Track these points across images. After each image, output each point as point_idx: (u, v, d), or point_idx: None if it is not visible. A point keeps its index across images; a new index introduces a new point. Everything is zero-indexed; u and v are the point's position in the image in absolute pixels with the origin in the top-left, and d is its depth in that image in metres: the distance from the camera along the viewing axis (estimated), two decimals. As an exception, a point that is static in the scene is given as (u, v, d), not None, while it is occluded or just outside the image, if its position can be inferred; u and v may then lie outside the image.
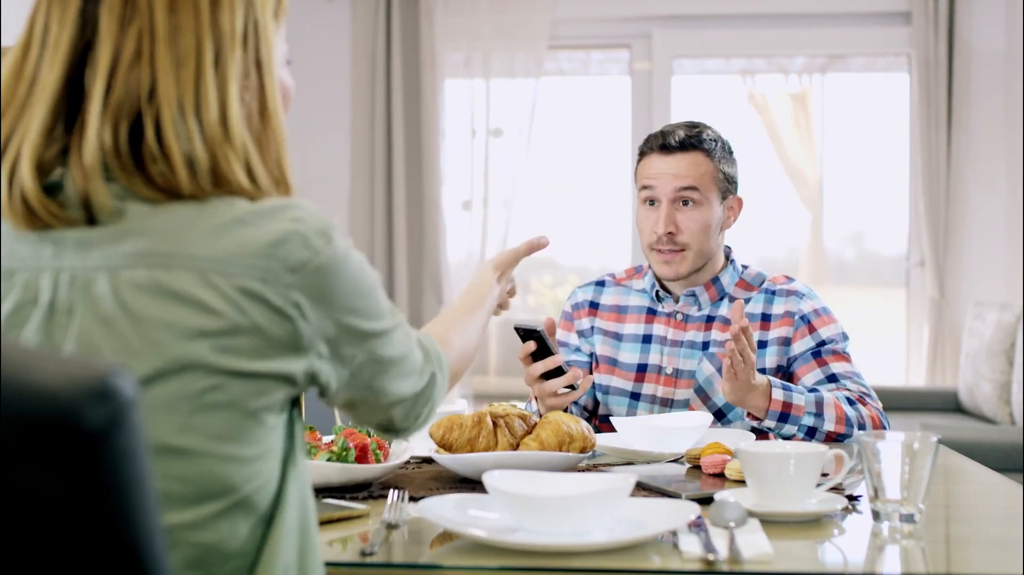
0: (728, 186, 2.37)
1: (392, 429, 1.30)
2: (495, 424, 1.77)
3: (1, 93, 1.11)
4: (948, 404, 5.09)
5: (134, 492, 0.80)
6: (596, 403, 2.38)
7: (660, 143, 2.33)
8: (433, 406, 1.32)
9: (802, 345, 2.27)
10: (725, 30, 5.57)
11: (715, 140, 2.36)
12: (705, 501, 1.57)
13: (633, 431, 1.99)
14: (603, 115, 5.82)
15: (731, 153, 2.41)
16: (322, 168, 5.52)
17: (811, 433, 2.10)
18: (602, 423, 2.35)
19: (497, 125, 5.46)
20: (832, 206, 5.77)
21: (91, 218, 1.07)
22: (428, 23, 5.38)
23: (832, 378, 2.26)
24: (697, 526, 1.42)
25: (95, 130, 1.07)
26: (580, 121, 5.87)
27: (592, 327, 2.43)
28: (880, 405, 2.24)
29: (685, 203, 2.30)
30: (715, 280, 2.36)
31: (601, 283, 2.49)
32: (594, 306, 2.45)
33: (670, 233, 2.29)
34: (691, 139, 2.32)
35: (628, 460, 1.93)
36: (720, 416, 2.26)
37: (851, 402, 2.18)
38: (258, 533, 1.09)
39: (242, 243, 1.06)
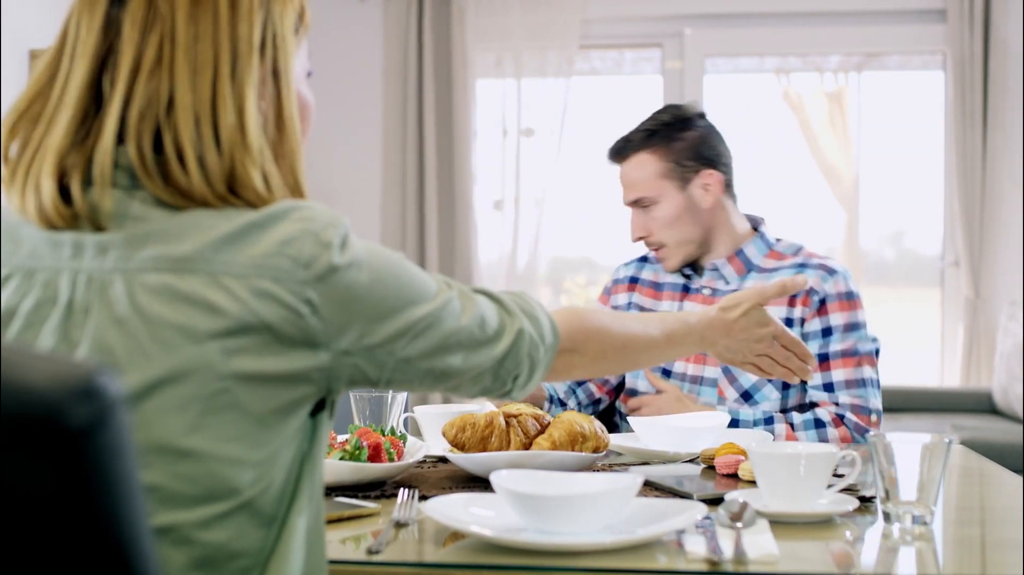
0: (685, 169, 2.31)
1: (494, 395, 1.30)
2: (507, 423, 1.77)
3: (32, 96, 1.14)
4: (982, 405, 5.04)
5: (120, 490, 0.81)
6: (622, 377, 2.38)
7: (609, 154, 2.32)
8: (533, 364, 1.30)
9: (809, 328, 2.23)
10: (759, 28, 5.55)
11: (660, 126, 2.30)
12: (716, 501, 1.57)
13: (649, 431, 1.99)
14: (635, 114, 5.80)
15: (689, 127, 2.32)
16: (354, 168, 5.54)
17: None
18: (627, 396, 2.34)
19: (528, 125, 5.46)
20: (868, 205, 5.73)
21: (98, 225, 1.09)
22: (460, 23, 5.38)
23: (828, 387, 2.21)
24: (705, 527, 1.41)
25: (111, 136, 1.10)
26: (612, 121, 5.86)
27: (629, 303, 2.43)
28: (871, 418, 2.19)
29: (645, 206, 2.29)
30: (739, 253, 2.33)
31: (644, 259, 2.49)
32: (634, 281, 2.45)
33: (644, 237, 2.29)
34: (629, 142, 2.28)
35: (644, 460, 1.93)
36: (747, 397, 2.24)
37: (819, 424, 2.15)
38: (266, 534, 1.10)
39: (253, 245, 1.08)
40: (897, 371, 5.74)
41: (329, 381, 1.13)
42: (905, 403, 5.10)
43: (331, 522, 1.49)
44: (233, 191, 1.12)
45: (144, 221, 1.10)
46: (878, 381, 2.26)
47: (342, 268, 1.11)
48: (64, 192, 1.10)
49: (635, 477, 1.41)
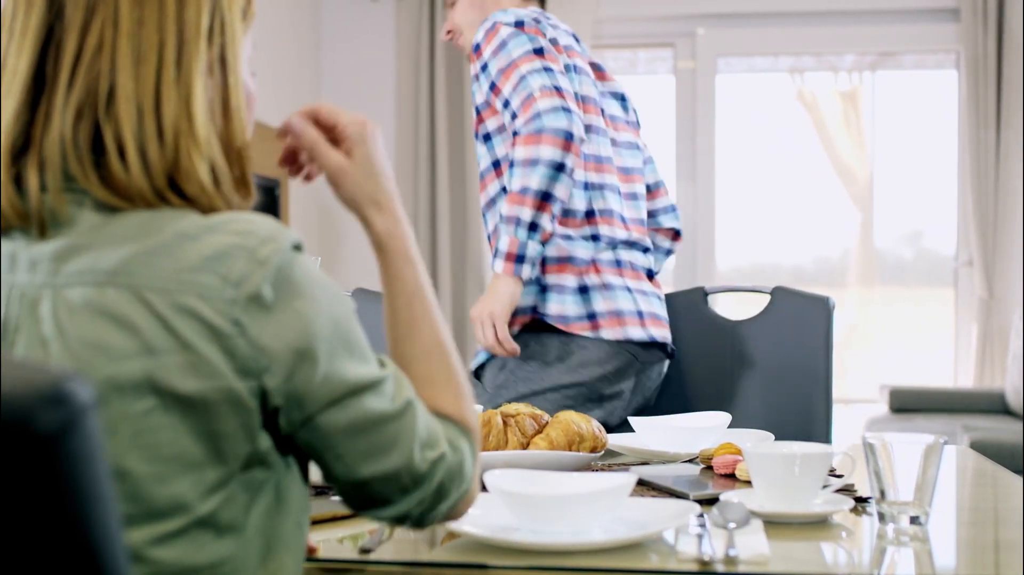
0: None
1: (371, 510, 1.14)
2: (505, 423, 1.77)
3: None
4: (995, 405, 5.02)
5: (90, 495, 0.81)
6: None
7: None
8: (450, 503, 1.14)
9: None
10: (772, 28, 5.54)
11: None
12: (712, 502, 1.57)
13: (649, 431, 1.99)
14: (647, 114, 5.80)
15: None
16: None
17: None
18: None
19: (540, 125, 5.45)
20: (882, 205, 5.72)
21: (42, 223, 1.04)
22: (471, 23, 5.39)
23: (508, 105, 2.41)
24: (699, 527, 1.41)
25: (57, 127, 1.05)
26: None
27: None
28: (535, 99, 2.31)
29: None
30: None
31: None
32: None
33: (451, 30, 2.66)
34: None
35: (644, 460, 1.93)
36: None
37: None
38: (232, 545, 1.05)
39: (181, 258, 1.02)
40: (911, 371, 5.72)
41: (266, 407, 1.05)
42: (918, 403, 5.08)
43: (325, 521, 1.49)
44: (175, 186, 1.06)
45: (75, 228, 1.04)
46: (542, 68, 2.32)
47: (275, 282, 1.03)
48: (18, 186, 1.05)
49: (628, 477, 1.41)
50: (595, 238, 2.37)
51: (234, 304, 1.00)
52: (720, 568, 1.28)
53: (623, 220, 2.42)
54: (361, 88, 5.56)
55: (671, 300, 2.58)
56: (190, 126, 1.07)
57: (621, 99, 2.63)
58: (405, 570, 1.36)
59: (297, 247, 1.06)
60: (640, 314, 2.36)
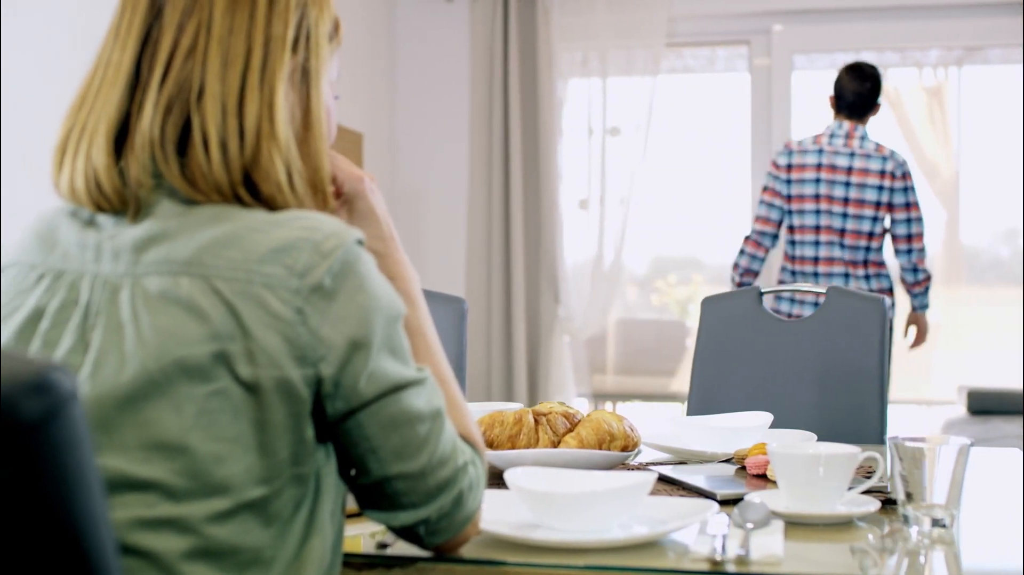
0: None
1: (392, 522, 1.21)
2: (536, 422, 1.78)
3: (87, 80, 1.18)
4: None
5: (74, 482, 0.84)
6: None
7: None
8: (465, 513, 1.22)
9: None
10: (847, 24, 5.45)
11: None
12: (738, 502, 1.56)
13: (688, 430, 1.98)
14: (722, 112, 5.76)
15: None
16: (440, 168, 5.59)
17: None
18: None
19: (614, 124, 5.45)
20: (968, 203, 5.60)
21: (137, 209, 1.13)
22: (545, 23, 5.40)
23: None
24: (719, 526, 1.41)
25: (148, 119, 1.13)
26: (698, 119, 5.82)
27: None
28: None
29: None
30: None
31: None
32: None
33: None
34: None
35: (682, 459, 1.92)
36: None
37: None
38: (276, 536, 1.11)
39: (250, 249, 1.09)
40: (996, 373, 5.59)
41: (318, 399, 1.12)
42: (996, 405, 4.97)
43: (348, 517, 1.51)
44: (251, 183, 1.13)
45: (157, 217, 1.13)
46: None
47: (337, 274, 1.10)
48: (116, 170, 1.14)
49: (647, 476, 1.41)
50: None
51: (298, 294, 1.08)
52: (731, 568, 1.28)
53: None
54: (435, 88, 5.60)
55: (725, 300, 2.57)
56: (271, 128, 1.14)
57: None
58: (423, 565, 1.37)
59: (361, 243, 1.13)
60: None
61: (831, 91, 4.44)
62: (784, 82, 5.50)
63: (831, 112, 4.43)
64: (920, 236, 4.26)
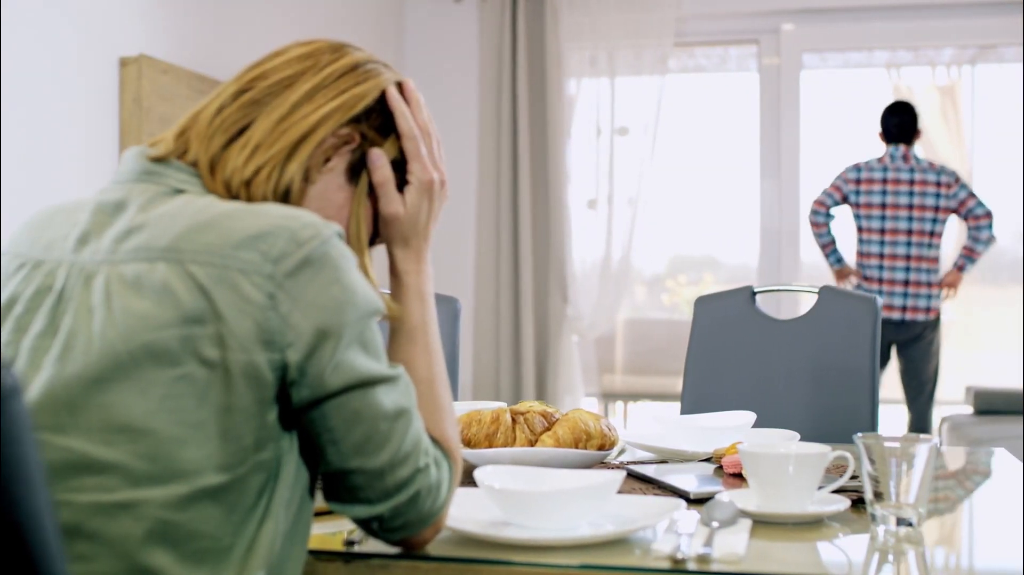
0: None
1: (355, 514, 1.22)
2: (514, 421, 1.79)
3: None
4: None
5: (16, 476, 0.85)
6: None
7: None
8: (421, 514, 1.23)
9: None
10: (857, 23, 5.44)
11: None
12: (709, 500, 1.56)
13: (670, 429, 1.98)
14: (731, 111, 5.75)
15: None
16: (449, 167, 5.58)
17: None
18: None
19: (623, 123, 5.45)
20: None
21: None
22: (553, 22, 5.40)
23: None
24: (690, 524, 1.41)
25: (208, 118, 1.25)
26: (707, 118, 5.81)
27: None
28: None
29: None
30: None
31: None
32: None
33: None
34: None
35: (664, 459, 1.92)
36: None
37: None
38: (236, 524, 1.12)
39: (227, 235, 1.11)
40: (1007, 373, 5.56)
41: (284, 386, 1.13)
42: (1003, 405, 4.95)
43: (318, 515, 1.52)
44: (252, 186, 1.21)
45: (142, 209, 1.17)
46: None
47: (311, 262, 1.12)
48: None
49: (616, 474, 1.41)
50: None
51: (271, 279, 1.10)
52: (692, 566, 1.28)
53: None
54: (444, 88, 5.61)
55: (718, 300, 2.57)
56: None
57: None
58: (391, 563, 1.38)
59: (340, 236, 1.15)
60: None
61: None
62: (793, 81, 5.50)
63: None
64: (989, 215, 4.93)
